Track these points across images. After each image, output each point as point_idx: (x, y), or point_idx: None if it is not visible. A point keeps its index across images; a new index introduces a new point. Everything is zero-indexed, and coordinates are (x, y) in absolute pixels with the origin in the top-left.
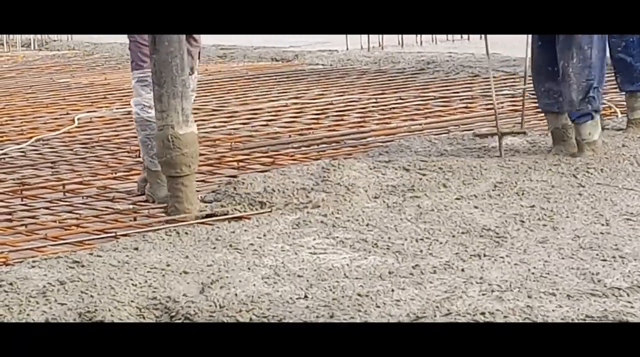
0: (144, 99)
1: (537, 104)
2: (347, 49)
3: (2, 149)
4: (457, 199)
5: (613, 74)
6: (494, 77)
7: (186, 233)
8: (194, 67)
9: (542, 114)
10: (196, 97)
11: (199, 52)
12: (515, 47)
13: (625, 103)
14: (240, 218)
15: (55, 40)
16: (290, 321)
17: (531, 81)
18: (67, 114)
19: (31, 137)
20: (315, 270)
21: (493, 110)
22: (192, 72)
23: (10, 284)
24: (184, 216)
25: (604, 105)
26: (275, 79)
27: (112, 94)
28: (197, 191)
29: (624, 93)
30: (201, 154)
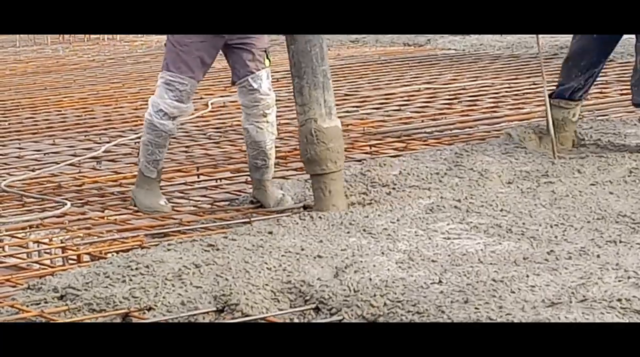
0: (165, 102)
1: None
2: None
3: (136, 134)
4: (592, 184)
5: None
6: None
7: (320, 217)
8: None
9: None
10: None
11: (265, 50)
12: None
13: None
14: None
15: None
16: (425, 306)
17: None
18: (201, 98)
19: None
20: (449, 255)
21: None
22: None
23: (147, 266)
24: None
25: None
26: (408, 64)
27: None
28: None
29: None
30: None
